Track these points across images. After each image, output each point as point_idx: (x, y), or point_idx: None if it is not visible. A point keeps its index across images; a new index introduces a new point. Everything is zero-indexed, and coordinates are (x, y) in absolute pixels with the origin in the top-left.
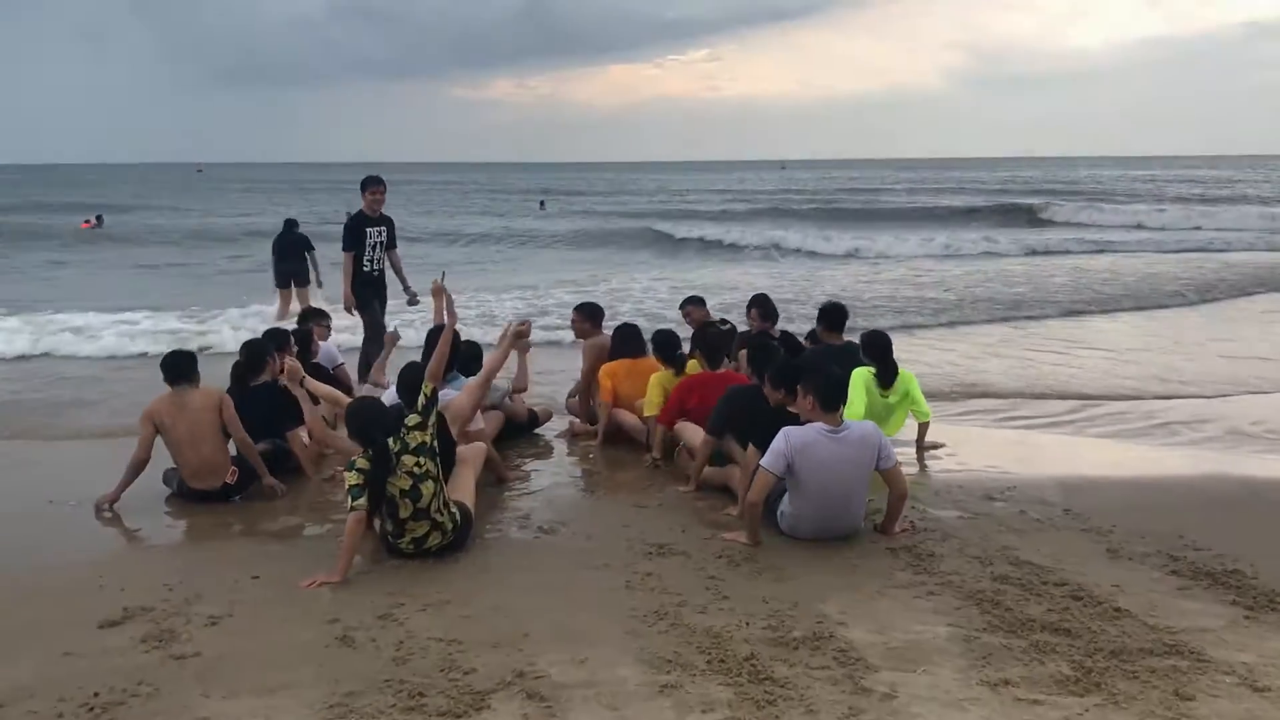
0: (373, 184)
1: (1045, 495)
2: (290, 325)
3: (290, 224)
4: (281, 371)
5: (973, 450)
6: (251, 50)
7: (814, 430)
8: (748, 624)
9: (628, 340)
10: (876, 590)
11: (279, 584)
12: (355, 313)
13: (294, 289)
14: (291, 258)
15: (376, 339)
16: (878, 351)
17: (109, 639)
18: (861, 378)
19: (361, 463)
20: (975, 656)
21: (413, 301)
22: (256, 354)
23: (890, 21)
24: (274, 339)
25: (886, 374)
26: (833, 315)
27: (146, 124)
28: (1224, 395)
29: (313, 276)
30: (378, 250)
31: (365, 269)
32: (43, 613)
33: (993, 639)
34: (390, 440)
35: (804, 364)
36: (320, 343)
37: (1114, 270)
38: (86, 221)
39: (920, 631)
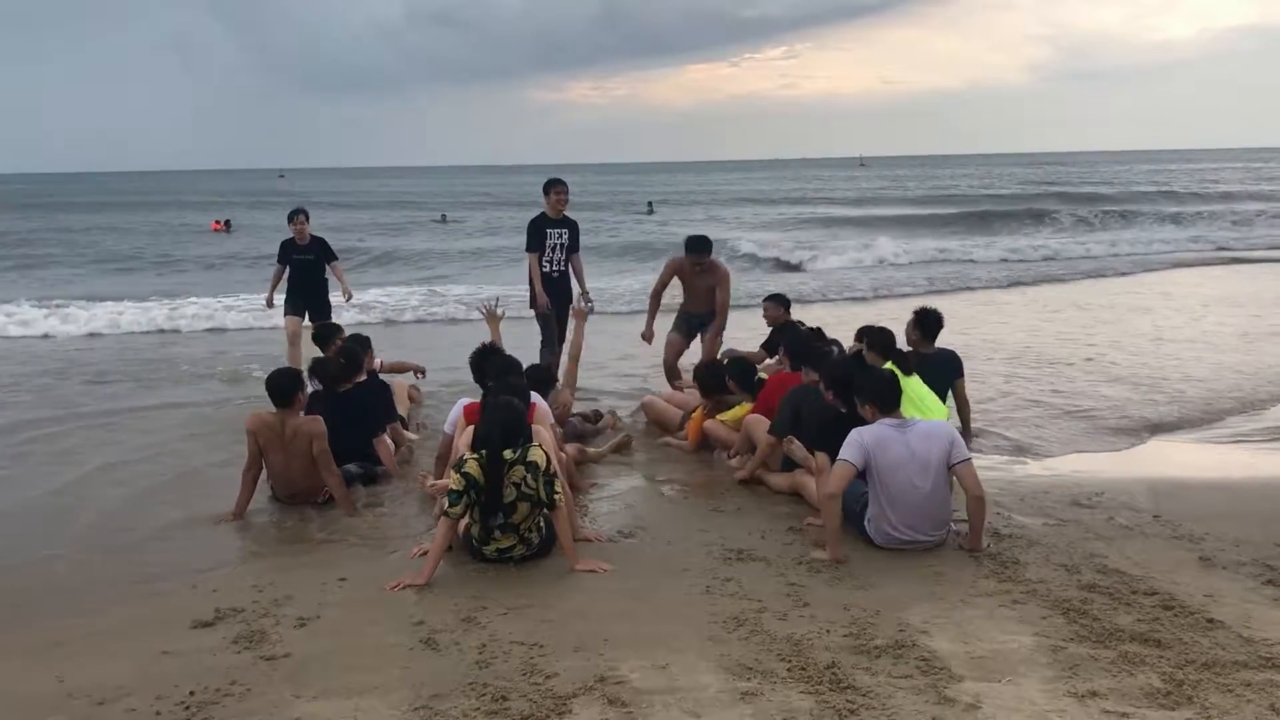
0: (555, 185)
1: (1134, 501)
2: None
3: (294, 215)
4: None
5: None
6: (331, 58)
7: (881, 425)
8: (829, 631)
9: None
10: (960, 598)
11: (365, 586)
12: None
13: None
14: (307, 282)
15: (550, 343)
16: (885, 347)
17: (203, 639)
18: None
19: (472, 468)
20: (1062, 667)
21: (587, 308)
22: (354, 357)
23: (970, 16)
24: (360, 342)
25: (901, 362)
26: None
27: (230, 131)
28: None
29: (342, 290)
30: (558, 251)
31: (545, 269)
32: (140, 612)
33: (1080, 649)
34: (510, 450)
35: (853, 371)
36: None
37: None
38: (216, 223)
39: (1005, 641)
